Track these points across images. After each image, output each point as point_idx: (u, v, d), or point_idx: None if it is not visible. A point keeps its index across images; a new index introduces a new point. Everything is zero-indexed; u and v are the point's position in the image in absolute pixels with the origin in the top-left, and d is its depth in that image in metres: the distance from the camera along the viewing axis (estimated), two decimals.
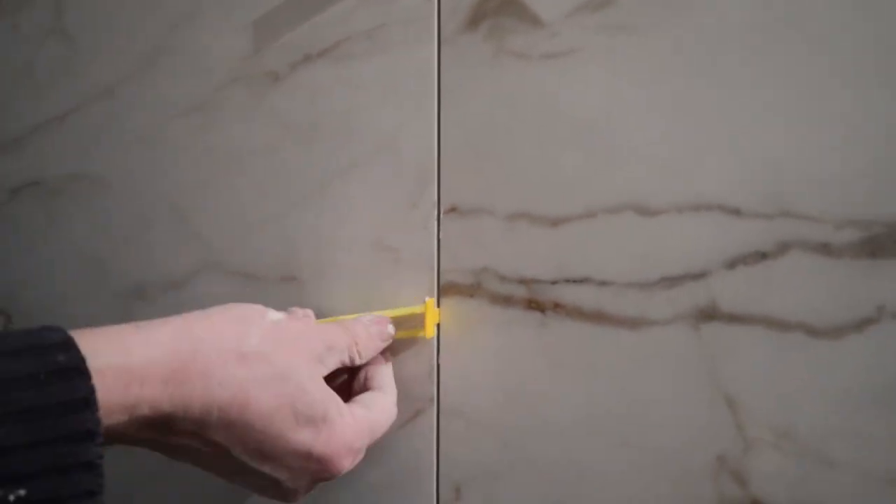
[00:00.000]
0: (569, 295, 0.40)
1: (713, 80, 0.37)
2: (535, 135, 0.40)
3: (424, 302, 0.40)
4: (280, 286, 0.46)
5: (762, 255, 0.37)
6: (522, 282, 0.41)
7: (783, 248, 0.37)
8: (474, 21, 0.41)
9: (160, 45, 0.49)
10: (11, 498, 0.22)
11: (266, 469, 0.32)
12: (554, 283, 0.40)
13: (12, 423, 0.23)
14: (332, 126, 0.44)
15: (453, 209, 0.42)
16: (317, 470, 0.33)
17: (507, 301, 0.41)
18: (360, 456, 0.36)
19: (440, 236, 0.42)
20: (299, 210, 0.45)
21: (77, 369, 0.25)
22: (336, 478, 0.34)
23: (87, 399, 0.25)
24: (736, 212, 0.37)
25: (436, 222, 0.42)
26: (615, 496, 0.39)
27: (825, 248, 0.36)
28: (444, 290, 0.42)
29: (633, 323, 0.39)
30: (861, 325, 0.36)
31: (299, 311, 0.39)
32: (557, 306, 0.40)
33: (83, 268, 0.52)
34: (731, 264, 0.37)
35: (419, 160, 0.42)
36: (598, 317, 0.39)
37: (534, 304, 0.41)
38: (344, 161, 0.44)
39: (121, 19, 0.50)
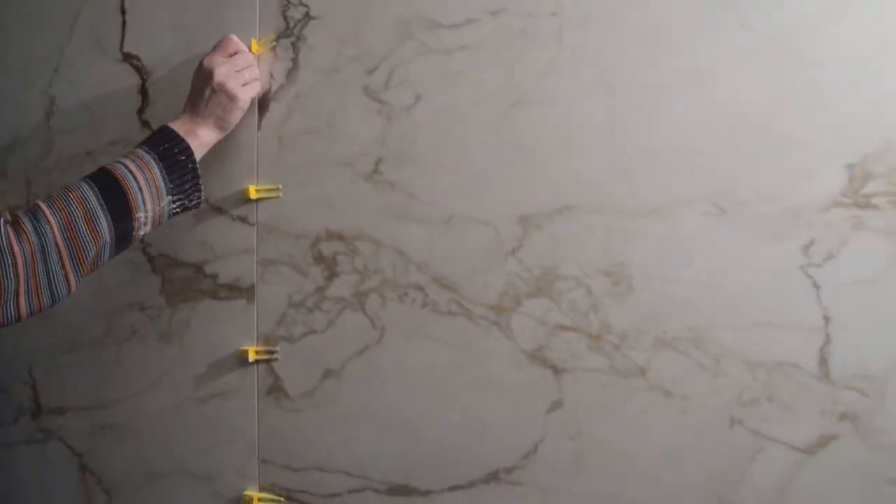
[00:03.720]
0: None
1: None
2: (300, 442, 1.24)
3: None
4: None
5: None
6: None
7: None
8: (269, 392, 1.26)
9: None
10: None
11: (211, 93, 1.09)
12: None
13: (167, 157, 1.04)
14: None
15: (263, 460, 1.27)
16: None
17: None
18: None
19: (259, 478, 1.27)
20: None
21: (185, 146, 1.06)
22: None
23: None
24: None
25: (258, 464, 1.27)
26: None
27: None
28: (261, 490, 1.28)
29: None
30: None
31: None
32: None
33: None
34: None
35: (251, 438, 1.27)
36: None
37: None
38: (227, 435, 1.29)
39: None
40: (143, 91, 1.29)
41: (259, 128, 1.22)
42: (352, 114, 1.17)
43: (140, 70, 1.30)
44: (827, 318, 0.98)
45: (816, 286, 0.98)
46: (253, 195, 1.21)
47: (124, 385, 1.29)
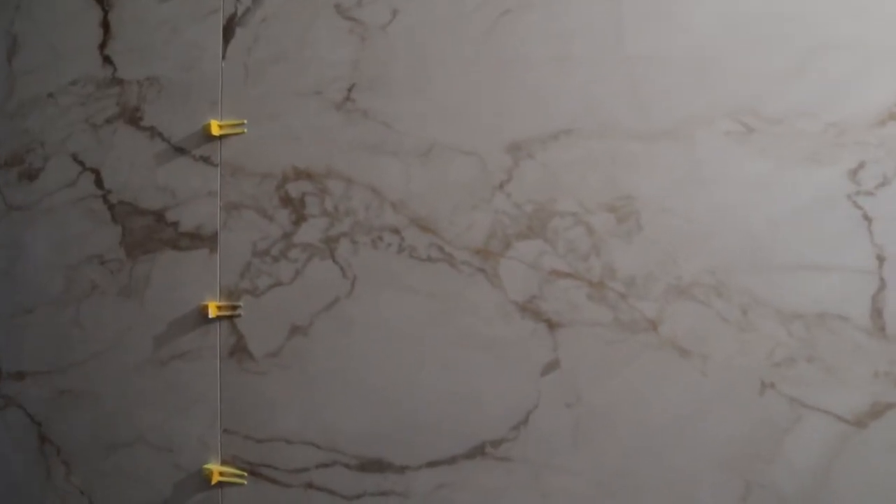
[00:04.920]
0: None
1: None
2: (264, 410, 1.09)
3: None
4: None
5: None
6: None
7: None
8: (232, 353, 1.11)
9: None
10: None
11: None
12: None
13: None
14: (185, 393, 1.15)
15: (225, 430, 1.12)
16: None
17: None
18: None
19: (221, 450, 1.13)
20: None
21: None
22: None
23: None
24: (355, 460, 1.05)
25: (219, 434, 1.13)
26: None
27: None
28: (223, 463, 1.13)
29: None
30: None
31: None
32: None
33: None
34: None
35: (212, 405, 1.13)
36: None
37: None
38: (187, 401, 1.15)
39: None
40: (105, 24, 1.16)
41: (224, 57, 1.07)
42: (322, 35, 1.02)
43: (102, 2, 1.16)
44: (881, 259, 0.79)
45: (867, 219, 0.79)
46: (216, 131, 1.07)
47: (84, 346, 1.16)
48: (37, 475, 1.20)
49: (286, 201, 1.03)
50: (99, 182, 1.17)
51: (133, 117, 1.15)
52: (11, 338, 1.22)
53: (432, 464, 0.95)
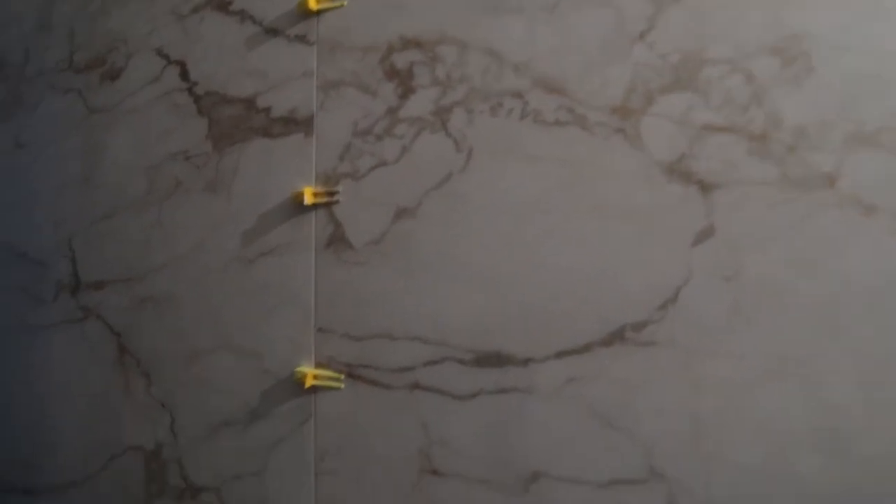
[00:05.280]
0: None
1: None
2: (364, 304, 0.99)
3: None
4: None
5: None
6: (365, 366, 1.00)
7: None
8: (329, 244, 1.01)
9: None
10: None
11: None
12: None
13: None
14: (276, 288, 1.05)
15: (320, 329, 1.02)
16: None
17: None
18: None
19: (315, 352, 1.02)
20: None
21: None
22: None
23: None
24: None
25: (313, 334, 1.02)
26: None
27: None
28: (317, 366, 1.02)
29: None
30: None
31: None
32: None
33: None
34: None
35: (305, 303, 1.03)
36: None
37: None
38: (278, 301, 1.05)
39: None
40: None
41: None
42: None
43: None
44: None
45: None
46: (313, 6, 0.97)
47: (165, 249, 1.07)
48: (116, 388, 1.11)
49: (392, 74, 0.93)
50: (184, 74, 1.09)
51: (222, 3, 1.07)
52: (91, 246, 1.15)
53: (561, 354, 0.83)
